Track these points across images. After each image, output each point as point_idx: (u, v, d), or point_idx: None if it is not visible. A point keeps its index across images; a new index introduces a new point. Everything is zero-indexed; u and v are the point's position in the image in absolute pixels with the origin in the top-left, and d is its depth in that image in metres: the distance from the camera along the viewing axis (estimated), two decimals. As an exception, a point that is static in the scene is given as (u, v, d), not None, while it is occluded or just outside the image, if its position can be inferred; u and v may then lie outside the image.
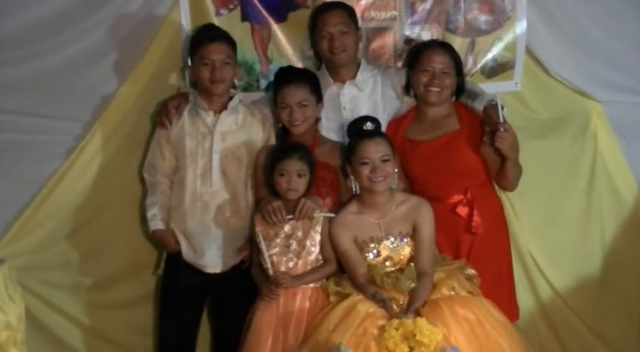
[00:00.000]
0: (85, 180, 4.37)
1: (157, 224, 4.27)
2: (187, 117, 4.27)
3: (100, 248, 4.47)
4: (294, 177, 3.97)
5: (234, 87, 4.36)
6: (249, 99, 4.49)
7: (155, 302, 4.58)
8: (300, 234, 3.98)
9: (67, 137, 4.35)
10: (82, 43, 4.30)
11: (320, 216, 3.98)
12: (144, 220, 4.41)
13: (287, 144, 4.17)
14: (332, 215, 3.98)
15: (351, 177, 4.00)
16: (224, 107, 4.26)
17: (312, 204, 3.97)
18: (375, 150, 3.91)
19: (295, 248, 3.97)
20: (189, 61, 4.28)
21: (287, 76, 4.25)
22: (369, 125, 4.02)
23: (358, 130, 4.03)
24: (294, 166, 3.98)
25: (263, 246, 3.91)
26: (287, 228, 3.98)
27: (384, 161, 3.91)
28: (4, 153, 4.26)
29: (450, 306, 3.70)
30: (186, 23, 4.47)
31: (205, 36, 4.21)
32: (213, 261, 4.22)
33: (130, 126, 4.44)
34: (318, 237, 3.98)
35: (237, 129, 4.27)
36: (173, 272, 4.32)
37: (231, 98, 4.29)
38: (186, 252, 4.24)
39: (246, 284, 4.15)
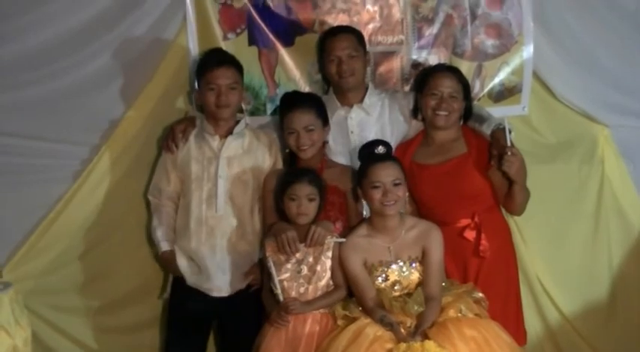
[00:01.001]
0: (92, 203, 4.41)
1: (164, 245, 4.30)
2: (194, 141, 4.30)
3: (106, 271, 4.50)
4: (304, 201, 4.00)
5: (241, 111, 4.39)
6: (257, 123, 4.52)
7: (162, 326, 4.60)
8: (311, 259, 3.98)
9: (73, 161, 4.40)
10: (89, 66, 4.36)
11: (331, 241, 3.99)
12: (151, 243, 4.46)
13: (297, 169, 4.19)
14: (343, 240, 3.99)
15: (363, 200, 4.04)
16: (230, 131, 4.28)
17: (324, 230, 3.98)
18: (386, 174, 3.94)
19: (306, 273, 3.97)
20: (197, 84, 4.32)
21: (292, 101, 4.28)
22: (380, 149, 4.05)
23: (370, 154, 4.05)
24: (304, 190, 4.00)
25: (273, 271, 3.90)
26: (298, 254, 3.99)
27: (396, 185, 3.94)
28: (11, 176, 4.30)
29: (457, 327, 3.72)
30: (194, 47, 4.51)
31: (212, 60, 4.24)
32: (219, 284, 4.23)
33: (137, 150, 4.48)
34: (328, 263, 3.99)
35: (244, 153, 4.29)
36: (180, 295, 4.33)
37: (237, 122, 4.31)
38: (190, 276, 4.25)
39: (253, 308, 4.19)
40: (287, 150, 4.33)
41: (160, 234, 4.32)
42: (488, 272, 4.21)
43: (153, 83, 4.46)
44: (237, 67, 4.29)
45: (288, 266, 3.99)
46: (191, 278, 4.26)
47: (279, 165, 4.37)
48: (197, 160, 4.27)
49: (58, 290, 4.38)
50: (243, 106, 4.44)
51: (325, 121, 4.29)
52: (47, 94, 4.29)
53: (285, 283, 3.97)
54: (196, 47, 4.52)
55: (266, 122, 4.58)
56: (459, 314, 3.81)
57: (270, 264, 3.94)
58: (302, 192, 4.01)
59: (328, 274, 4.00)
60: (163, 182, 4.34)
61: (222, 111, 4.22)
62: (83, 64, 4.34)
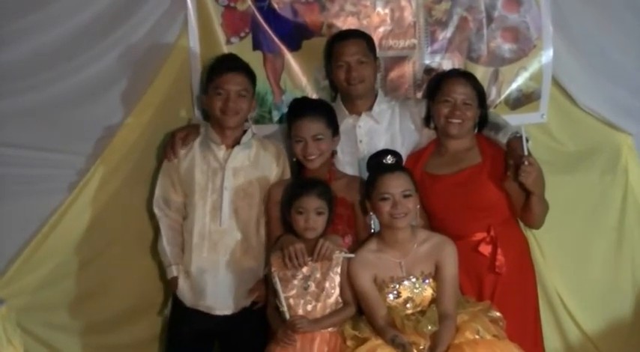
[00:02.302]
0: (88, 215, 4.39)
1: (175, 270, 4.30)
2: (198, 150, 4.29)
3: (104, 287, 4.47)
4: (312, 215, 3.97)
5: (246, 119, 4.38)
6: (262, 131, 4.51)
7: (161, 344, 4.59)
8: (318, 275, 3.96)
9: (69, 171, 4.36)
10: (85, 72, 4.34)
11: (339, 257, 3.96)
12: (151, 257, 4.48)
13: (305, 180, 4.17)
14: (352, 256, 3.96)
15: (371, 213, 4.02)
16: (237, 141, 4.27)
17: (331, 244, 3.95)
18: (395, 185, 3.93)
19: (314, 290, 3.95)
20: (206, 89, 4.32)
21: (302, 108, 4.28)
22: (389, 159, 4.05)
23: (378, 164, 4.05)
24: (313, 203, 3.97)
25: (279, 287, 3.88)
26: (305, 269, 3.96)
27: (406, 196, 3.92)
28: (2, 188, 4.26)
29: (474, 351, 3.70)
30: (196, 52, 4.51)
31: (223, 65, 4.26)
32: (222, 302, 4.23)
33: (135, 160, 4.46)
34: (337, 279, 3.96)
35: (250, 165, 4.29)
36: (180, 313, 4.30)
37: (245, 132, 4.30)
38: (190, 298, 4.25)
39: (257, 326, 4.18)
40: (294, 159, 4.32)
41: (170, 255, 4.30)
42: (505, 289, 4.18)
43: (153, 89, 4.46)
44: (249, 75, 4.29)
45: (295, 282, 3.96)
46: (191, 300, 4.26)
47: (287, 175, 4.37)
48: (201, 170, 4.27)
49: (53, 307, 4.35)
50: (249, 115, 4.43)
51: (335, 131, 4.28)
52: (41, 102, 4.27)
53: (292, 300, 3.95)
54: (198, 52, 4.52)
55: (272, 131, 4.59)
56: (476, 336, 3.78)
57: (276, 279, 3.92)
58: (310, 205, 3.99)
59: (337, 291, 3.97)
60: (170, 192, 4.33)
61: (229, 118, 4.22)
62: (79, 70, 4.33)
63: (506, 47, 4.63)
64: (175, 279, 4.27)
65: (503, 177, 4.19)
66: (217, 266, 4.23)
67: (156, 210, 4.36)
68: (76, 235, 4.38)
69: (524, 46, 4.62)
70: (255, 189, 4.28)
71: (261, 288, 4.23)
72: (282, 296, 3.89)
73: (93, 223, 4.41)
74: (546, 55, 4.60)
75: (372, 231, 4.13)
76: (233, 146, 4.27)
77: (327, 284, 3.96)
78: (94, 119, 4.40)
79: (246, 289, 4.23)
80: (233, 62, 4.31)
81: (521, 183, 4.07)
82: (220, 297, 4.23)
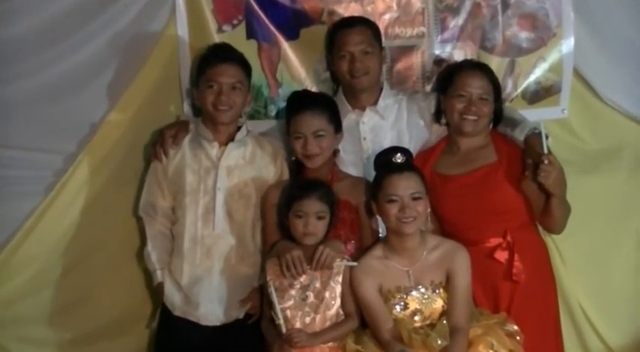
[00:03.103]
0: (67, 220, 4.32)
1: (160, 275, 4.26)
2: (188, 148, 4.27)
3: (85, 298, 4.40)
4: (312, 219, 3.93)
5: (240, 115, 4.35)
6: (256, 127, 4.48)
7: None
8: (318, 284, 3.91)
9: (46, 172, 4.29)
10: (64, 63, 4.28)
11: (341, 265, 3.92)
12: (138, 264, 4.43)
13: (305, 181, 4.14)
14: (355, 264, 3.92)
15: (377, 216, 3.98)
16: (231, 138, 4.25)
17: (332, 251, 3.91)
18: (404, 186, 3.88)
19: (313, 301, 3.90)
20: (196, 82, 4.30)
21: (301, 101, 4.24)
22: (399, 157, 3.99)
23: (386, 163, 4.00)
24: (313, 207, 3.93)
25: (275, 297, 3.82)
26: (303, 277, 3.92)
27: (415, 199, 3.87)
28: None
29: None
30: (185, 41, 4.50)
31: (216, 56, 4.23)
32: (213, 312, 4.19)
33: (120, 159, 4.41)
34: (338, 289, 3.92)
35: (245, 164, 4.26)
36: (169, 324, 4.26)
37: (239, 129, 4.28)
38: (179, 306, 4.21)
39: (251, 340, 4.15)
40: (293, 158, 4.29)
41: (155, 260, 4.27)
42: (523, 300, 4.13)
43: (138, 82, 4.40)
44: (244, 66, 4.26)
45: (292, 292, 3.92)
46: (180, 309, 4.22)
47: (285, 176, 4.35)
48: (192, 170, 4.24)
49: (29, 321, 4.27)
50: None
51: (338, 127, 4.24)
52: (15, 95, 4.22)
53: (289, 312, 3.90)
54: (187, 41, 4.50)
55: (269, 128, 4.57)
56: (490, 351, 3.75)
57: (272, 289, 3.86)
58: (310, 209, 3.94)
59: (338, 302, 3.93)
60: (157, 196, 4.30)
61: (221, 113, 4.18)
62: (58, 61, 4.27)
63: (524, 36, 4.58)
64: (161, 285, 4.23)
65: (520, 177, 4.14)
66: (211, 273, 4.20)
67: (142, 215, 4.35)
68: (54, 241, 4.30)
69: (543, 34, 4.57)
70: (251, 190, 4.26)
71: (256, 298, 4.21)
72: (278, 307, 3.83)
73: (73, 228, 4.34)
74: (567, 45, 4.56)
75: (380, 236, 4.09)
76: (226, 143, 4.25)
77: (327, 295, 3.92)
78: (73, 115, 4.33)
79: (239, 299, 4.21)
80: (226, 52, 4.27)
81: (541, 183, 4.01)
82: (212, 307, 4.20)
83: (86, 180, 4.34)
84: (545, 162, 3.96)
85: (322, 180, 4.10)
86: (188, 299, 4.20)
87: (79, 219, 4.35)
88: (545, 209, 4.13)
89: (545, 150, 3.99)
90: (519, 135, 4.20)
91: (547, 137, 4.04)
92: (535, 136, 4.10)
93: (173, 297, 4.21)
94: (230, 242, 4.20)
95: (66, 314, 4.37)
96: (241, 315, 4.21)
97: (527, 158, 4.12)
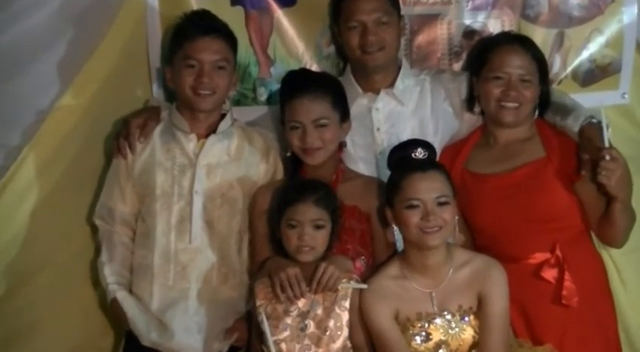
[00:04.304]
0: (9, 230, 4.00)
1: (114, 290, 4.00)
2: (159, 142, 4.05)
3: (32, 327, 4.06)
4: (308, 229, 3.68)
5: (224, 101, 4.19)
6: (243, 116, 4.27)
7: None
8: (319, 311, 3.66)
9: None
10: (4, 36, 3.96)
11: (348, 287, 3.65)
12: (96, 284, 4.16)
13: (300, 182, 3.91)
14: (364, 286, 3.68)
15: (394, 226, 3.71)
16: (212, 130, 4.03)
17: (337, 269, 3.66)
18: (428, 189, 3.62)
19: (313, 331, 3.65)
20: (170, 59, 4.08)
21: (299, 83, 4.00)
22: (420, 152, 3.75)
23: (404, 160, 3.75)
24: (309, 214, 3.69)
25: (267, 327, 3.58)
26: (302, 302, 3.68)
27: (441, 204, 3.62)
28: None
29: None
30: (154, 7, 4.27)
31: (195, 26, 4.00)
32: (190, 344, 3.93)
33: (74, 154, 4.12)
34: (345, 317, 3.65)
35: (230, 161, 4.04)
36: None
37: (222, 117, 4.07)
38: (147, 333, 3.93)
39: None
40: (288, 153, 4.07)
41: (108, 273, 4.02)
42: (576, 328, 3.86)
43: (96, 58, 4.12)
44: (229, 39, 4.05)
45: (288, 320, 3.67)
46: (149, 337, 3.93)
47: (279, 175, 4.14)
48: (164, 169, 4.01)
49: None
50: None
51: (344, 115, 4.00)
52: None
53: (284, 345, 3.65)
54: (157, 7, 4.27)
55: (259, 116, 4.34)
56: None
57: (263, 317, 3.62)
58: (305, 216, 3.69)
59: (345, 332, 3.65)
60: (116, 200, 4.07)
61: (202, 99, 3.96)
62: None
63: (575, 2, 4.32)
64: (116, 303, 3.98)
65: (575, 176, 3.89)
66: (187, 297, 3.94)
67: (97, 222, 4.13)
68: (-9, 257, 4.07)
69: (599, 0, 4.32)
70: (237, 194, 4.02)
71: (243, 328, 3.95)
72: (270, 339, 3.60)
73: (17, 240, 4.02)
74: (629, 13, 4.30)
75: (397, 250, 3.88)
76: (207, 136, 4.03)
77: (331, 324, 3.65)
78: (16, 98, 4.01)
79: (222, 328, 3.95)
80: (207, 22, 4.04)
81: (601, 184, 3.76)
82: (189, 337, 3.94)
83: (32, 180, 4.02)
84: (607, 157, 3.69)
85: (321, 181, 3.87)
86: (160, 327, 3.94)
87: (23, 230, 4.03)
88: (606, 216, 3.86)
89: (607, 144, 3.73)
90: (572, 126, 3.94)
91: (607, 127, 3.78)
92: (593, 127, 3.84)
93: (137, 322, 3.95)
94: (210, 258, 3.97)
95: (7, 347, 4.05)
96: (225, 349, 3.96)
97: (583, 153, 3.86)
